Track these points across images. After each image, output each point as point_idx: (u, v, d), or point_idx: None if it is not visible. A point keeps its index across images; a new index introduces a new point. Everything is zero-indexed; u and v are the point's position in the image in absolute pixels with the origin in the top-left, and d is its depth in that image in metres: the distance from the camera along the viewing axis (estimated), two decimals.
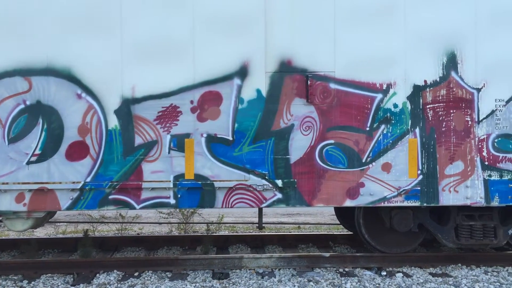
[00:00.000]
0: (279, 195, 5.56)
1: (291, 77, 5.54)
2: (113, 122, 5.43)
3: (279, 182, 5.52)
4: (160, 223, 9.03)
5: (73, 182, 5.40)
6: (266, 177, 5.53)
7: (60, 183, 5.40)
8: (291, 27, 5.53)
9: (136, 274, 5.62)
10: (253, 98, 5.54)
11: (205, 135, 5.49)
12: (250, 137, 5.53)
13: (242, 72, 5.50)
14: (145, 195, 5.47)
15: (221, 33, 5.45)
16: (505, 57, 5.53)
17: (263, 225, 9.59)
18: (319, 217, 11.10)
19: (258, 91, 5.53)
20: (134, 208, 5.48)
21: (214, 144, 5.50)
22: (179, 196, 5.47)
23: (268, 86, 5.54)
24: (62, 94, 5.38)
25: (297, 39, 5.53)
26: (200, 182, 5.46)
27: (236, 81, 5.50)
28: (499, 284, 5.17)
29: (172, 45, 5.43)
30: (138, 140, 5.45)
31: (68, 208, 5.45)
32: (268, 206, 5.59)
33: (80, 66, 5.38)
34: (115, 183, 5.42)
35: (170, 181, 5.45)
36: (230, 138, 5.51)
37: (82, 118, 5.40)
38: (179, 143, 5.47)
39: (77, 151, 5.40)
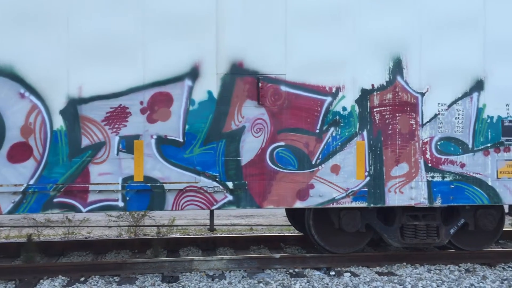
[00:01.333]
0: (230, 197, 5.55)
1: (243, 79, 5.55)
2: (59, 122, 5.25)
3: (230, 184, 5.52)
4: (110, 227, 8.81)
5: (15, 185, 5.19)
6: (217, 179, 5.51)
7: (1, 185, 5.17)
8: (243, 29, 5.54)
9: (82, 279, 5.45)
10: (204, 99, 5.51)
11: (155, 137, 5.41)
12: (201, 139, 5.50)
13: (193, 74, 5.46)
14: (92, 198, 5.32)
15: (172, 33, 5.40)
16: (447, 64, 5.77)
17: (216, 227, 9.56)
18: (272, 218, 11.18)
19: (210, 93, 5.51)
20: (80, 212, 5.33)
21: (165, 145, 5.43)
22: (127, 198, 5.36)
23: (220, 87, 5.53)
24: (4, 93, 5.16)
25: (249, 41, 5.55)
26: (149, 185, 5.38)
27: (187, 82, 5.46)
28: (441, 281, 5.38)
29: (120, 45, 5.32)
30: (85, 142, 5.30)
31: (10, 212, 5.22)
32: (218, 208, 5.58)
33: (24, 64, 5.18)
34: (60, 185, 5.24)
35: (118, 183, 5.34)
36: (181, 140, 5.46)
37: (25, 118, 5.20)
38: (128, 145, 5.37)
39: (19, 153, 5.19)
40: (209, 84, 5.51)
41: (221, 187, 5.51)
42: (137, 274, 5.62)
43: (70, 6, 5.26)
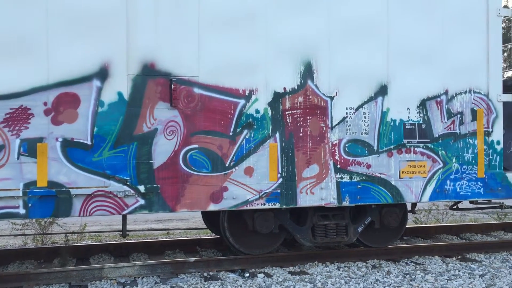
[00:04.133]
0: (142, 201, 5.41)
1: (155, 81, 5.44)
2: None
3: (142, 188, 5.37)
4: (16, 235, 8.26)
5: None
6: (128, 183, 5.35)
7: None
8: (155, 30, 5.43)
9: None
10: (114, 101, 5.33)
11: (60, 140, 5.14)
12: (111, 142, 5.31)
13: (103, 74, 5.27)
14: None
15: (78, 30, 5.17)
16: (354, 69, 6.02)
17: (131, 232, 9.29)
18: (190, 222, 11.07)
19: (120, 94, 5.34)
20: None
21: (71, 149, 5.18)
22: (29, 205, 5.04)
23: (131, 89, 5.37)
24: None
25: (161, 42, 5.45)
26: (54, 190, 5.10)
27: (96, 82, 5.25)
28: (349, 278, 5.60)
29: (22, 42, 5.01)
30: None
31: None
32: (130, 213, 5.42)
33: None
34: None
35: (19, 189, 5.00)
36: (89, 143, 5.23)
37: None
38: (30, 148, 5.05)
39: None
40: (119, 85, 5.33)
41: (132, 191, 5.35)
42: (41, 285, 5.31)
43: None
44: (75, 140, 5.19)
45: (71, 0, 5.15)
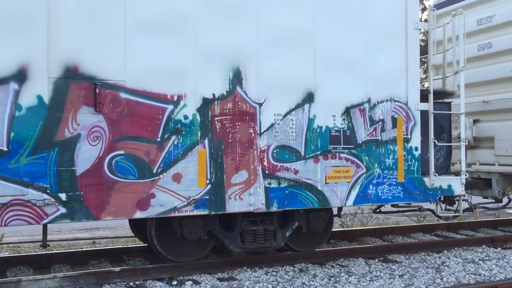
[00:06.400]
0: (63, 210, 5.18)
1: (78, 84, 5.25)
2: None
3: (63, 196, 5.14)
4: None
5: None
6: (48, 191, 5.10)
7: None
8: (78, 32, 5.24)
9: None
10: (34, 105, 5.08)
11: None
12: (30, 148, 5.04)
13: (20, 76, 5.01)
14: None
15: None
16: (282, 76, 6.13)
17: (55, 242, 8.87)
18: (119, 230, 10.75)
19: (40, 98, 5.10)
20: None
21: None
22: None
23: (52, 92, 5.15)
24: None
25: (85, 45, 5.27)
26: None
27: (13, 85, 4.98)
28: (276, 282, 5.67)
29: None
30: None
31: None
32: (50, 222, 5.16)
33: None
34: None
35: None
36: (5, 149, 4.94)
37: None
38: None
39: None
40: (39, 88, 5.09)
41: (52, 200, 5.11)
42: None
43: None
44: None
45: None
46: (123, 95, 5.42)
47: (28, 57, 5.03)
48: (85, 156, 5.26)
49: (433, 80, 7.20)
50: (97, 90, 5.29)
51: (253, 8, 5.98)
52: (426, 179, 6.92)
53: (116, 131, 5.39)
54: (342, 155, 6.42)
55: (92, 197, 5.28)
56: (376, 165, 6.60)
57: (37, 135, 5.07)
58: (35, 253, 7.25)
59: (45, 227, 5.87)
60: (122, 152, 5.42)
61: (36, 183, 5.05)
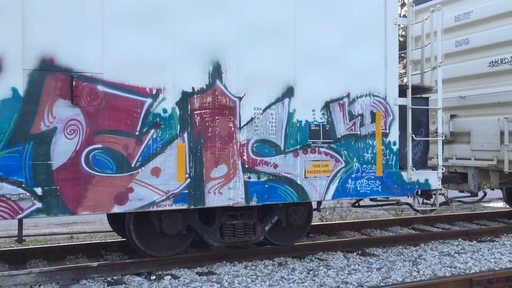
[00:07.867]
0: (39, 204, 5.09)
1: (54, 77, 5.15)
2: None
3: (39, 190, 5.05)
4: None
5: None
6: (23, 185, 5.00)
7: None
8: (54, 23, 5.14)
9: None
10: (8, 97, 4.97)
11: None
12: (4, 141, 4.94)
13: None
14: None
15: None
16: (262, 70, 6.11)
17: (31, 237, 8.73)
18: (97, 224, 10.63)
19: (14, 90, 4.99)
20: None
21: None
22: None
23: (27, 84, 5.04)
24: None
25: (61, 36, 5.17)
26: None
27: None
28: (255, 276, 5.68)
29: None
30: None
31: None
32: (25, 217, 5.07)
33: None
34: None
35: None
36: None
37: None
38: None
39: None
40: (13, 80, 4.99)
41: (28, 194, 5.02)
42: None
43: None
44: None
45: None
46: (100, 88, 5.35)
47: (2, 48, 4.92)
48: (62, 150, 5.18)
49: (412, 75, 7.27)
50: (74, 83, 5.20)
51: (233, 1, 5.94)
52: (404, 174, 7.00)
53: (93, 125, 5.31)
54: (322, 150, 6.45)
55: (68, 191, 5.20)
56: (355, 160, 6.65)
57: (11, 128, 4.97)
58: (10, 248, 7.11)
59: (20, 221, 5.77)
60: (99, 145, 5.35)
61: (11, 177, 4.95)
